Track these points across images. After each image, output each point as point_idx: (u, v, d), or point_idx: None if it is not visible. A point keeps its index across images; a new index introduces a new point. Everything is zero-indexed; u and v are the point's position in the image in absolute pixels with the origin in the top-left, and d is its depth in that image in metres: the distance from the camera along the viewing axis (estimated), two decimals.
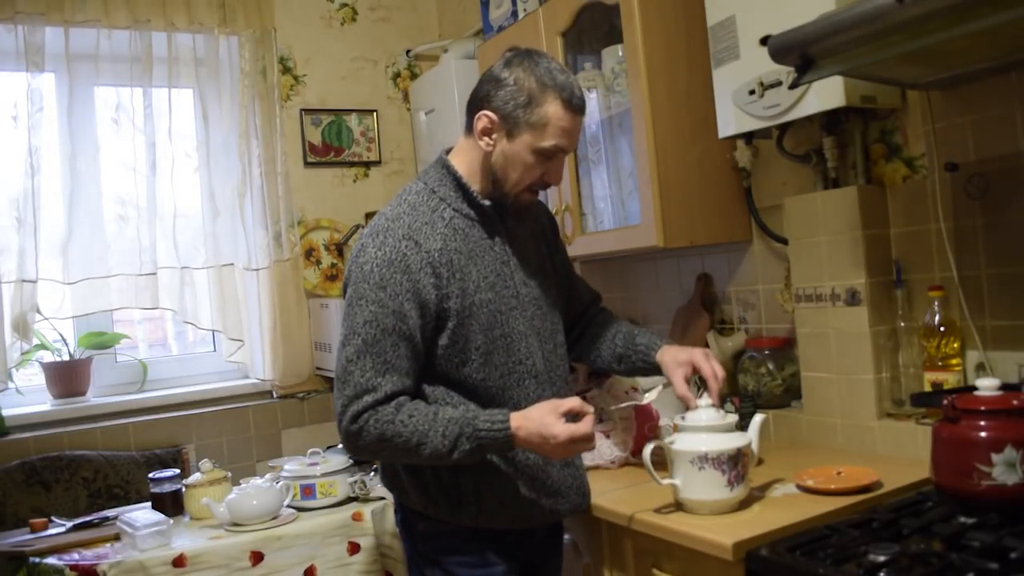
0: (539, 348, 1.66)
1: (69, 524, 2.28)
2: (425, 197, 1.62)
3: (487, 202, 1.62)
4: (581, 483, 1.72)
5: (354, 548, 2.26)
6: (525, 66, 1.57)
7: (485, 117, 1.58)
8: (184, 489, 2.33)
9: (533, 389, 1.63)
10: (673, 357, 1.69)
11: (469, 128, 1.63)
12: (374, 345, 1.51)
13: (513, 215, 1.67)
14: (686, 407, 1.65)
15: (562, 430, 1.48)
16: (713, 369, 1.65)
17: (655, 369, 1.74)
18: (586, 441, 1.50)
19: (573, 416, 1.50)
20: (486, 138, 1.59)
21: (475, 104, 1.61)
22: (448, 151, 1.68)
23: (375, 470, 2.29)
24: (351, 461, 2.42)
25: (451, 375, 1.59)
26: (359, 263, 1.55)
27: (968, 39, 1.37)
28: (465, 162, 1.64)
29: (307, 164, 3.34)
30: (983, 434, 1.37)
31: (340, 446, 2.67)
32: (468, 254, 1.59)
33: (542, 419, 1.49)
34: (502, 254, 1.65)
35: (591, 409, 1.53)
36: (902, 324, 1.87)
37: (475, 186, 1.62)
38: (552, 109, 1.55)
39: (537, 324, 1.67)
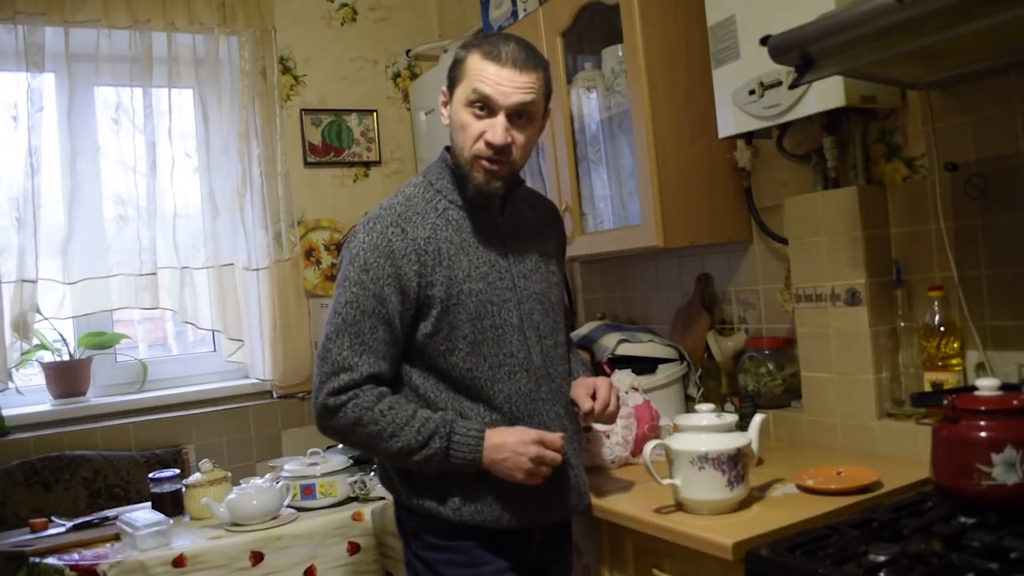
0: (537, 343, 1.65)
1: (69, 524, 2.28)
2: (422, 189, 1.66)
3: (465, 170, 1.63)
4: (578, 484, 1.70)
5: (354, 548, 2.26)
6: (468, 43, 1.65)
7: (441, 93, 1.67)
8: (184, 489, 2.33)
9: (525, 383, 1.62)
10: (580, 381, 1.76)
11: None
12: (353, 325, 1.56)
13: (519, 201, 1.72)
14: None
15: (535, 434, 1.56)
16: (604, 394, 1.69)
17: None
18: (553, 452, 1.56)
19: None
20: (444, 112, 1.66)
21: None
22: (445, 149, 1.71)
23: (374, 470, 2.30)
24: (351, 461, 2.42)
25: (438, 364, 1.60)
26: (349, 248, 1.61)
27: (968, 39, 1.37)
28: (456, 147, 1.67)
29: (307, 164, 3.34)
30: (983, 434, 1.37)
31: (340, 446, 2.69)
32: (460, 244, 1.61)
33: (519, 434, 1.56)
34: (500, 246, 1.65)
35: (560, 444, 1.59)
36: (902, 324, 1.87)
37: None
38: (471, 61, 1.60)
39: (537, 319, 1.66)
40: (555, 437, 1.58)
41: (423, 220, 1.60)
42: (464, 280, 1.58)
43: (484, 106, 1.57)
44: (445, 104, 1.66)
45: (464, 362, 1.59)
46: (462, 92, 1.59)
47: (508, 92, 1.56)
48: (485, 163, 1.59)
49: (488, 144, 1.57)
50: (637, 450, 1.97)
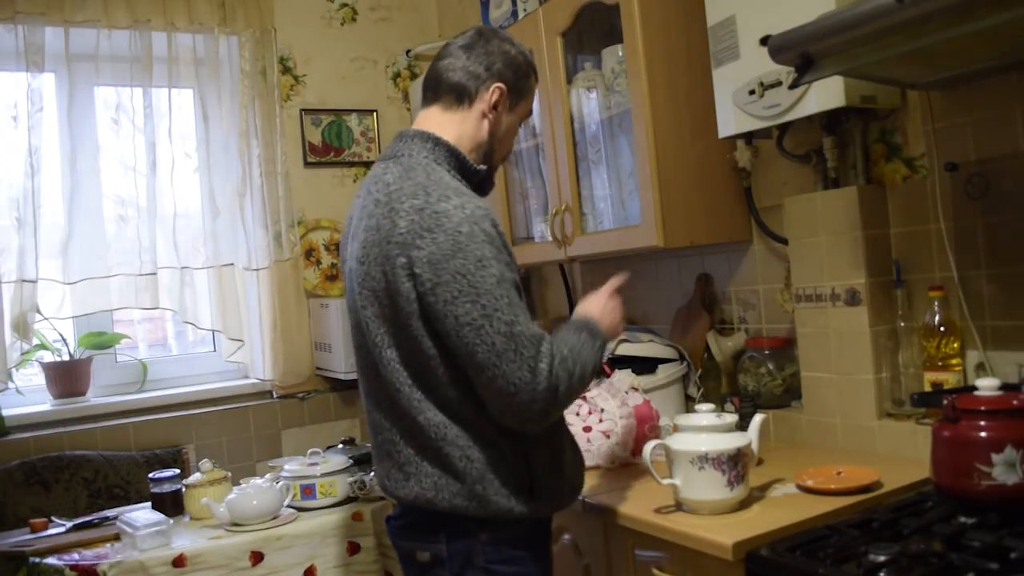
0: None
1: (69, 524, 2.28)
2: (436, 168, 1.52)
3: (483, 167, 1.61)
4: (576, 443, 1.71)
5: (354, 548, 2.26)
6: (506, 40, 1.63)
7: (499, 89, 1.59)
8: (184, 489, 2.33)
9: None
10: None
11: (459, 100, 1.59)
12: (516, 300, 1.40)
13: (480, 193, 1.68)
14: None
15: (604, 292, 1.64)
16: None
17: None
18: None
19: None
20: (494, 111, 1.60)
21: (475, 77, 1.58)
22: (419, 131, 1.58)
23: (374, 471, 2.29)
24: (351, 461, 2.42)
25: None
26: (448, 230, 1.38)
27: (968, 39, 1.37)
28: (452, 135, 1.58)
29: (307, 164, 3.34)
30: (983, 434, 1.37)
31: (340, 445, 2.69)
32: None
33: (595, 299, 1.63)
34: None
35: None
36: (902, 324, 1.87)
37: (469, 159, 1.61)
38: (533, 83, 1.66)
39: None
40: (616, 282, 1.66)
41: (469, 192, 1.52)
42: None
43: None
44: (499, 105, 1.60)
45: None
46: (524, 108, 1.66)
47: None
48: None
49: (511, 152, 1.73)
50: (637, 451, 1.97)
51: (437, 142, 1.56)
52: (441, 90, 1.61)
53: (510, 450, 1.47)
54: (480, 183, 1.62)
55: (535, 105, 2.63)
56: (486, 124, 1.60)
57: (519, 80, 1.62)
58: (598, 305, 1.61)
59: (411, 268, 1.40)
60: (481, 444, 1.45)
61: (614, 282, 1.68)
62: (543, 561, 1.58)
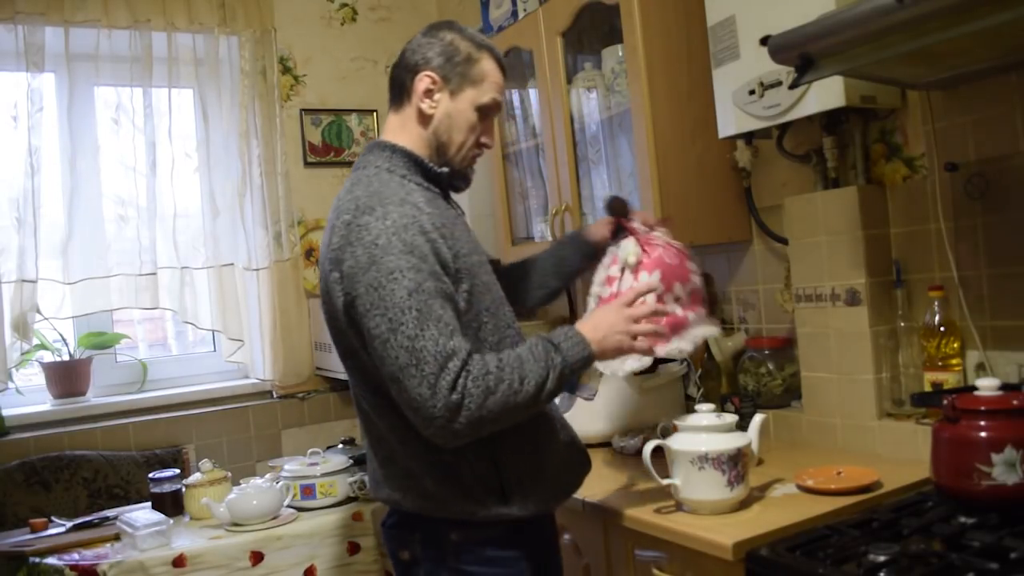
0: (513, 315, 1.63)
1: (69, 524, 2.28)
2: (386, 177, 1.51)
3: (445, 169, 1.59)
4: (580, 444, 1.69)
5: (354, 548, 2.26)
6: (454, 30, 1.60)
7: (427, 77, 1.55)
8: (184, 489, 2.33)
9: None
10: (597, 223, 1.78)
11: (401, 99, 1.60)
12: (429, 313, 1.35)
13: (454, 192, 1.67)
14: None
15: (621, 300, 1.54)
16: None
17: (591, 250, 1.80)
18: (642, 309, 1.53)
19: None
20: (428, 100, 1.56)
21: (409, 71, 1.58)
22: (378, 141, 1.61)
23: None
24: (351, 461, 2.42)
25: (471, 342, 1.45)
26: (366, 242, 1.39)
27: (968, 39, 1.37)
28: (407, 139, 1.58)
29: (307, 164, 3.34)
30: (983, 434, 1.37)
31: (340, 445, 2.69)
32: (450, 220, 1.54)
33: (605, 311, 1.54)
34: (465, 224, 1.62)
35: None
36: (902, 324, 1.87)
37: (426, 160, 1.59)
38: (488, 65, 1.58)
39: (501, 292, 1.63)
40: (639, 288, 1.56)
41: (414, 198, 1.47)
42: (469, 253, 1.51)
43: (489, 113, 1.61)
44: (435, 93, 1.56)
45: (491, 335, 1.51)
46: (477, 95, 1.57)
47: (503, 98, 1.64)
48: (473, 160, 1.64)
49: (484, 146, 1.63)
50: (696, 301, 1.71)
51: (394, 149, 1.57)
52: (392, 93, 1.63)
53: (473, 455, 1.46)
54: (452, 183, 1.62)
55: (534, 105, 2.66)
56: (426, 118, 1.57)
57: (456, 65, 1.55)
58: (606, 317, 1.52)
59: (340, 282, 1.42)
60: (439, 449, 1.44)
61: (641, 287, 1.56)
62: (537, 561, 1.56)
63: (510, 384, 1.37)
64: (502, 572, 1.51)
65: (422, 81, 1.56)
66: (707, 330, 1.68)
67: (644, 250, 1.65)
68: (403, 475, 1.52)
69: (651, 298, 1.57)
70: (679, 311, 1.63)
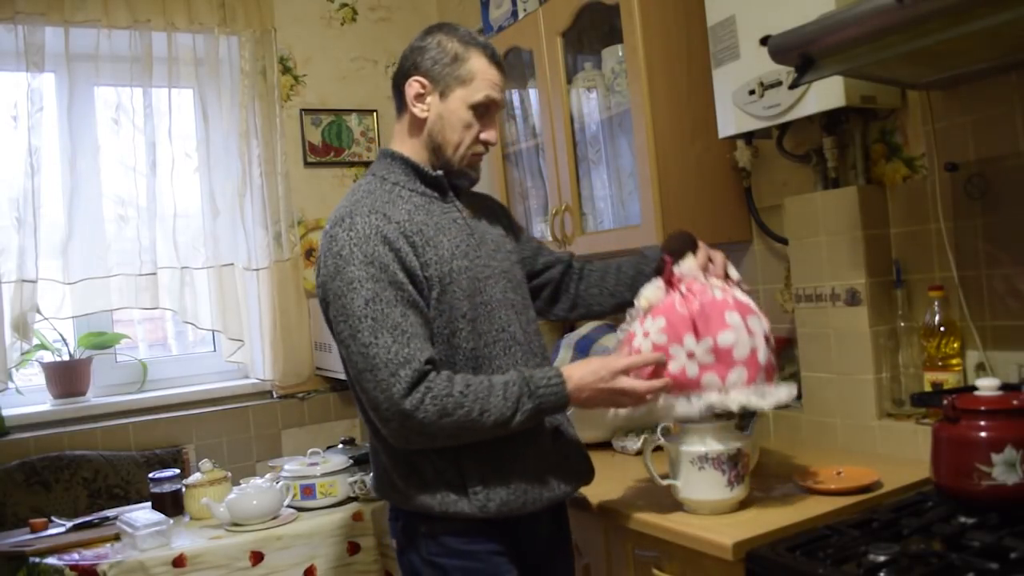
0: (516, 318, 1.64)
1: (69, 524, 2.28)
2: (378, 184, 1.60)
3: (439, 172, 1.62)
4: (582, 455, 1.70)
5: (354, 548, 2.26)
6: (444, 32, 1.63)
7: (416, 82, 1.60)
8: (184, 489, 2.33)
9: (520, 356, 1.62)
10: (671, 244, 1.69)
11: (401, 106, 1.65)
12: (385, 320, 1.44)
13: (465, 194, 1.69)
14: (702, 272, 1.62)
15: (614, 367, 1.49)
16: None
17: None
18: (639, 383, 1.49)
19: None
20: (420, 104, 1.60)
21: (402, 77, 1.63)
22: (383, 149, 1.69)
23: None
24: (351, 461, 2.42)
25: (442, 349, 1.54)
26: (333, 252, 1.49)
27: (968, 39, 1.37)
28: (408, 145, 1.64)
29: (307, 164, 3.34)
30: (983, 434, 1.37)
31: (340, 445, 2.69)
32: (435, 226, 1.58)
33: (596, 369, 1.50)
34: (465, 228, 1.64)
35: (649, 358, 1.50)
36: (902, 324, 1.87)
37: (424, 164, 1.63)
38: (477, 63, 1.60)
39: (511, 296, 1.65)
40: (640, 359, 1.51)
41: (394, 207, 1.55)
42: (451, 259, 1.56)
43: (487, 109, 1.63)
44: (425, 96, 1.60)
45: (467, 342, 1.55)
46: (468, 93, 1.60)
47: (503, 94, 1.65)
48: (477, 156, 1.66)
49: (486, 143, 1.64)
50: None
51: (393, 156, 1.64)
52: (394, 101, 1.69)
53: (437, 452, 1.52)
54: (454, 182, 1.65)
55: (534, 105, 2.66)
56: (420, 122, 1.62)
57: (444, 67, 1.59)
58: (594, 372, 1.50)
59: (319, 289, 1.56)
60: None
61: (653, 384, 1.49)
62: (525, 561, 1.60)
63: (468, 412, 1.44)
64: (474, 565, 1.55)
65: (411, 87, 1.61)
66: (741, 398, 1.50)
67: (668, 292, 1.57)
68: (380, 468, 1.62)
69: (647, 347, 1.53)
70: (691, 369, 1.50)
